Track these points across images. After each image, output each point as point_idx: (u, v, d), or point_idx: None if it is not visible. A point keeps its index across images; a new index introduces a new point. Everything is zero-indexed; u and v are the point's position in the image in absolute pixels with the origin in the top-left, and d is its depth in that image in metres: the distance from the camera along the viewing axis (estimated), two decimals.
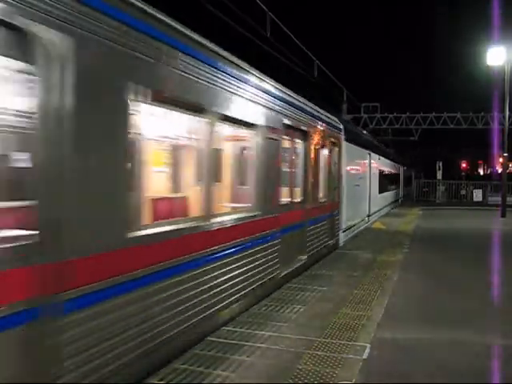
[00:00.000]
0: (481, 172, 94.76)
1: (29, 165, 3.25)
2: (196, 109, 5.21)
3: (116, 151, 3.97)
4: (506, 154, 22.88)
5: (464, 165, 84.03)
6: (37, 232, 3.16)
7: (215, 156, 5.84)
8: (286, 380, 4.44)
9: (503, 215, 21.58)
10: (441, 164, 35.71)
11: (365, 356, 5.05)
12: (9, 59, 3.07)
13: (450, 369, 4.87)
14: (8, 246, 2.98)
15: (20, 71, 3.20)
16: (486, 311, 6.87)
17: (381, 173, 22.84)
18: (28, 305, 3.09)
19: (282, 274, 7.99)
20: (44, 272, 3.20)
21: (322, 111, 11.04)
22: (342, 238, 12.83)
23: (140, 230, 4.26)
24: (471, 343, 5.56)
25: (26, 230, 3.15)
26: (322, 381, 4.44)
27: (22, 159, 3.36)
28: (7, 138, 3.33)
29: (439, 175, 35.31)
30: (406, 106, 37.83)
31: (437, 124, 35.45)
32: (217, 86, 5.58)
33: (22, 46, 3.08)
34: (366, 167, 18.17)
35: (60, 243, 3.33)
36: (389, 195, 26.74)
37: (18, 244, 3.06)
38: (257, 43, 15.55)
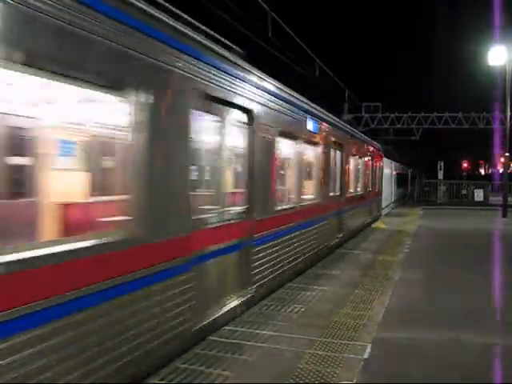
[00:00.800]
0: (482, 172, 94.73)
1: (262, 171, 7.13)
2: (302, 139, 9.25)
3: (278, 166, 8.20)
4: (507, 154, 22.86)
5: (465, 165, 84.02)
6: (247, 206, 6.61)
7: (306, 164, 9.80)
8: (286, 380, 4.45)
9: (504, 215, 21.55)
10: (442, 164, 35.68)
11: (365, 356, 5.06)
12: (242, 123, 6.50)
13: (450, 369, 4.87)
14: (239, 210, 6.43)
15: (243, 127, 6.58)
16: (487, 311, 6.86)
17: (397, 174, 31.47)
18: (241, 240, 6.40)
19: (360, 227, 15.36)
20: (248, 224, 6.55)
21: (375, 143, 20.25)
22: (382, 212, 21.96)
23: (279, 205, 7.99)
24: (472, 343, 5.56)
25: (242, 205, 6.58)
26: (322, 380, 4.45)
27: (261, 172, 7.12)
28: (233, 161, 6.66)
29: (440, 175, 35.28)
30: (407, 106, 37.79)
31: (438, 124, 35.41)
32: (307, 127, 9.51)
33: (247, 116, 6.59)
34: (391, 171, 27.51)
35: (252, 211, 6.66)
36: (402, 189, 35.85)
37: (241, 210, 6.48)
38: (258, 43, 15.54)
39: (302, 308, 6.70)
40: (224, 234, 5.97)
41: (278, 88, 7.98)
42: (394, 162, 28.78)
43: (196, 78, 5.14)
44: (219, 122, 5.91)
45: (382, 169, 21.42)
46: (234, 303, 6.15)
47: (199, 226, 5.26)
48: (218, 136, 5.93)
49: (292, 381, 4.43)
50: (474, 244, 13.65)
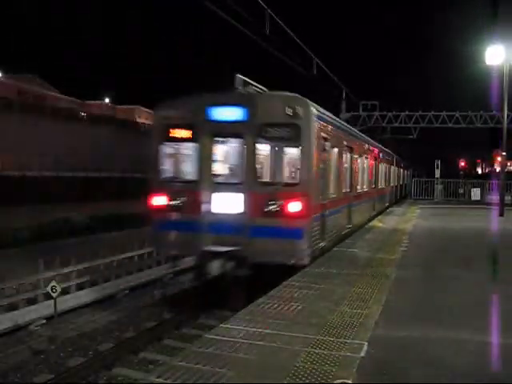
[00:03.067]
0: (479, 171, 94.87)
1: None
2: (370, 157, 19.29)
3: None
4: (504, 153, 22.89)
5: (462, 163, 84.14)
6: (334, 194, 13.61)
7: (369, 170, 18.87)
8: (283, 378, 4.45)
9: (501, 214, 21.60)
10: (439, 162, 35.72)
11: (362, 354, 5.06)
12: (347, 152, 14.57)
13: (447, 367, 4.88)
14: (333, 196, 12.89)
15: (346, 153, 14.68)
16: (485, 310, 6.88)
17: (403, 173, 38.67)
18: (325, 211, 11.31)
19: (387, 205, 25.34)
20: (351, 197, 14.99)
21: (389, 151, 28.43)
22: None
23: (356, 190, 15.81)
24: (469, 341, 5.57)
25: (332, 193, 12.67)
26: (319, 379, 4.45)
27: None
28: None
29: (437, 174, 35.31)
30: (404, 104, 37.85)
31: (435, 122, 35.45)
32: (368, 150, 19.00)
33: (350, 149, 14.87)
34: (400, 171, 36.47)
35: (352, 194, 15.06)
36: (407, 185, 41.18)
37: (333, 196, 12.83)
38: (256, 41, 15.51)
39: (299, 306, 6.70)
40: (328, 205, 11.50)
41: (362, 136, 18.70)
42: (402, 163, 38.24)
43: (346, 140, 14.04)
44: (345, 152, 13.81)
45: (393, 170, 29.68)
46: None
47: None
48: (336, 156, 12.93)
49: (289, 379, 4.43)
50: (472, 243, 13.68)
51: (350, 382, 4.42)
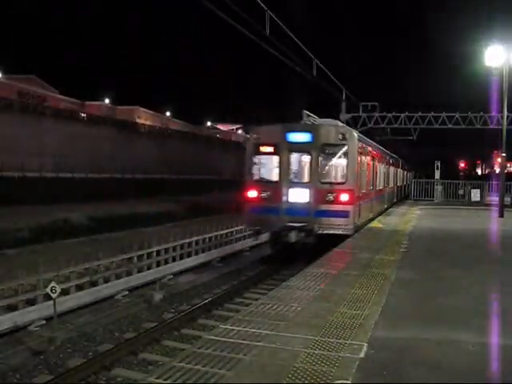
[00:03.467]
0: (479, 172, 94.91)
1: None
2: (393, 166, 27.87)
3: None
4: (503, 154, 22.89)
5: (462, 164, 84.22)
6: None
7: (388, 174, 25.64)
8: (283, 378, 4.45)
9: (501, 215, 21.60)
10: (439, 164, 35.72)
11: (362, 355, 5.06)
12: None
13: (447, 368, 4.88)
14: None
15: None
16: (484, 311, 6.88)
17: (406, 175, 41.29)
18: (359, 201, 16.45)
19: (394, 203, 29.19)
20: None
21: (403, 161, 37.91)
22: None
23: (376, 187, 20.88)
24: (469, 343, 5.57)
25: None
26: (318, 380, 4.45)
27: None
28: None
29: (437, 175, 35.32)
30: (404, 106, 37.83)
31: (435, 124, 35.47)
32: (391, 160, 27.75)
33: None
34: (405, 173, 39.45)
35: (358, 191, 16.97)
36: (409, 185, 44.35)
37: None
38: (256, 42, 15.51)
39: (298, 307, 6.70)
40: (362, 197, 16.23)
41: (380, 148, 24.40)
42: (406, 166, 42.27)
43: (371, 152, 19.31)
44: (370, 161, 18.56)
45: (399, 172, 34.45)
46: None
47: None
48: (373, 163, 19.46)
49: (288, 380, 4.43)
50: (472, 244, 13.67)
51: (349, 382, 4.42)
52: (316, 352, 5.09)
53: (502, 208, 21.93)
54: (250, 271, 15.99)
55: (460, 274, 9.30)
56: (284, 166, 15.05)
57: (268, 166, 15.71)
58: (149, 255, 14.80)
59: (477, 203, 30.06)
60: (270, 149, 15.32)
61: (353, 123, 36.43)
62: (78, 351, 9.17)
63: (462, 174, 68.01)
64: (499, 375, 4.78)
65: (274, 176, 15.36)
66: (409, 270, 9.48)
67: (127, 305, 12.46)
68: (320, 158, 14.92)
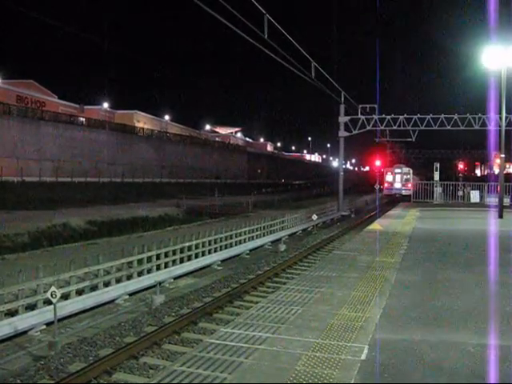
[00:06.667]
0: (478, 173, 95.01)
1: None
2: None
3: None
4: (502, 156, 22.91)
5: (461, 166, 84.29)
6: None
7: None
8: (284, 381, 4.45)
9: (500, 216, 21.61)
10: (438, 165, 35.78)
11: (363, 357, 5.06)
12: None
13: (447, 370, 4.88)
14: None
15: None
16: (485, 312, 6.88)
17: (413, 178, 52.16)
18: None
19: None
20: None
21: (411, 169, 54.22)
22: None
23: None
24: (469, 345, 5.57)
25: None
26: (320, 382, 4.45)
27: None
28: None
29: (436, 176, 35.38)
30: (403, 108, 38.07)
31: (434, 125, 35.54)
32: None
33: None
34: (414, 177, 49.11)
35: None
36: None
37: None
38: (254, 45, 15.56)
39: (299, 310, 6.70)
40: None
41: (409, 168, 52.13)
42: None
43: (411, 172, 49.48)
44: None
45: (411, 177, 48.24)
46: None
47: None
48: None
49: (289, 382, 4.43)
50: (472, 245, 13.67)
51: None
52: (317, 355, 5.10)
53: (502, 209, 21.95)
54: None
55: (461, 276, 9.30)
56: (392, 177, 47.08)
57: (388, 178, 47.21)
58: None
59: (476, 204, 30.08)
60: (389, 170, 47.80)
61: (352, 125, 36.49)
62: (79, 356, 9.15)
63: (461, 175, 68.04)
64: (500, 377, 4.78)
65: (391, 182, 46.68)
66: (409, 272, 9.49)
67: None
68: (404, 177, 46.09)
